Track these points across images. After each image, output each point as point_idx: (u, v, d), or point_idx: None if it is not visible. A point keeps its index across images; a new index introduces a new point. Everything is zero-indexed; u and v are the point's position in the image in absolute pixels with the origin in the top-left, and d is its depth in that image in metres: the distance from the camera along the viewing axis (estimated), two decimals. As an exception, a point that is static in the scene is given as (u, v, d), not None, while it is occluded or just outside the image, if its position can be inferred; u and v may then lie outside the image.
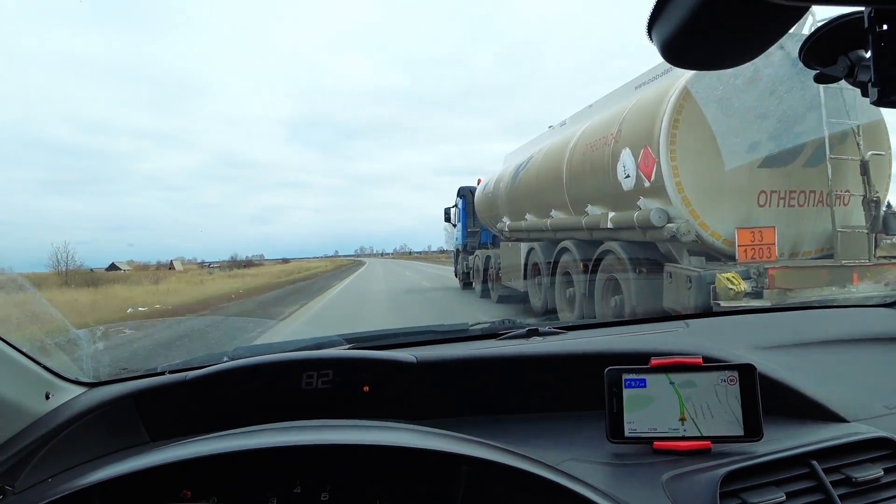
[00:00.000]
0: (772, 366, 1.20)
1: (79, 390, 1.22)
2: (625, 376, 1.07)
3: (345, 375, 1.25)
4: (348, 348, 1.46)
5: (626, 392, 1.06)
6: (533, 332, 1.52)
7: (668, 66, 0.60)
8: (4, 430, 1.00)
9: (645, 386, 1.06)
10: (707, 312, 2.49)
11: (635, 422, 1.05)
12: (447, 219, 16.88)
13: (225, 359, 1.39)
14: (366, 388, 1.26)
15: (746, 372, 1.03)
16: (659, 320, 1.77)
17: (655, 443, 1.03)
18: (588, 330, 1.69)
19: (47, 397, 1.11)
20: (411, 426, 0.90)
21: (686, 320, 1.65)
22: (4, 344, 1.02)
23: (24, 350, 1.08)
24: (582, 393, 1.23)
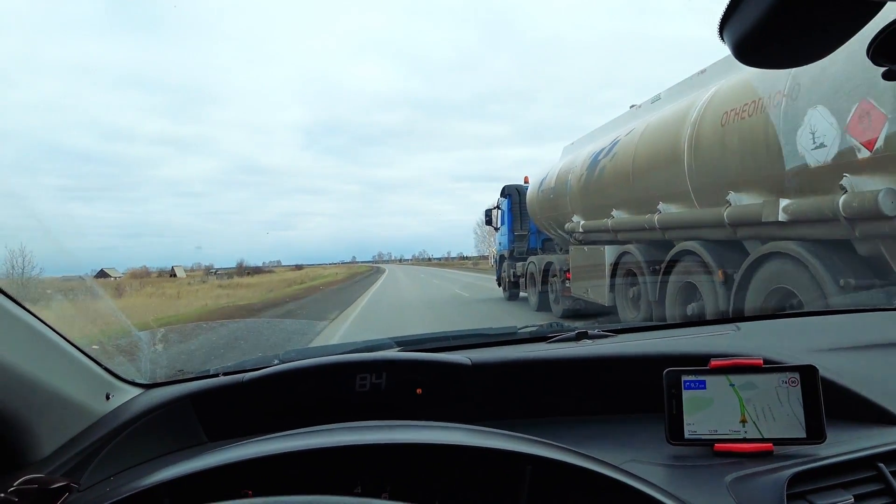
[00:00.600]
0: (831, 368, 1.18)
1: (136, 391, 1.26)
2: (684, 378, 1.06)
3: (398, 377, 1.27)
4: (398, 351, 1.46)
5: (685, 394, 1.06)
6: (582, 335, 1.51)
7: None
8: (69, 430, 1.02)
9: (705, 388, 1.06)
10: (757, 315, 2.25)
11: (695, 423, 1.05)
12: (488, 222, 16.01)
13: (276, 361, 1.40)
14: (419, 391, 1.27)
15: (808, 373, 1.03)
16: (707, 323, 1.75)
17: (717, 445, 1.03)
18: (637, 333, 1.67)
19: (108, 398, 1.14)
20: (472, 427, 0.86)
21: (736, 323, 1.63)
22: (70, 345, 1.04)
23: (87, 352, 1.10)
24: (637, 395, 1.23)
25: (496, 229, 15.02)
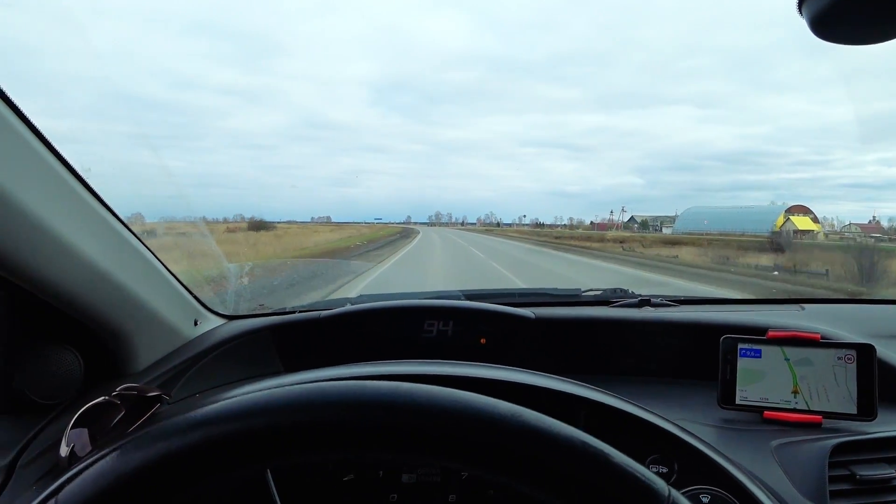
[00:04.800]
0: (891, 354, 1.18)
1: (220, 321, 1.34)
2: (740, 345, 1.09)
3: (464, 325, 1.33)
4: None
5: (740, 361, 1.08)
6: (645, 302, 1.52)
7: None
8: (161, 349, 1.11)
9: (760, 356, 1.08)
10: (825, 298, 2.04)
11: (747, 390, 1.07)
12: None
13: (348, 304, 1.44)
14: (483, 340, 1.33)
15: (865, 352, 1.04)
16: (772, 302, 1.75)
17: (766, 412, 1.05)
18: (700, 304, 1.68)
19: (195, 324, 1.23)
20: (530, 371, 0.88)
21: (802, 304, 1.62)
22: (169, 273, 1.13)
23: (182, 280, 1.18)
24: (693, 362, 1.26)
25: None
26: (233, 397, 0.54)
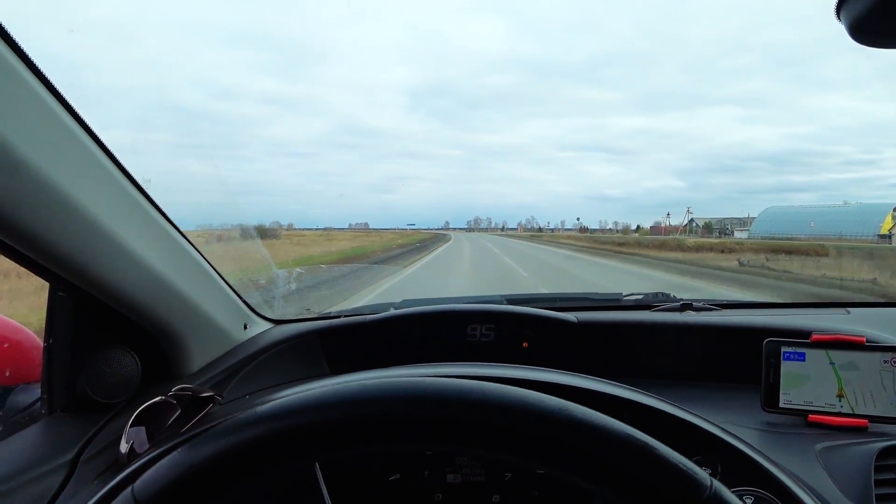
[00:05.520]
0: None
1: (268, 325, 1.38)
2: (784, 349, 1.08)
3: (507, 330, 1.36)
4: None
5: (783, 364, 1.07)
6: (687, 307, 1.51)
7: None
8: (213, 352, 1.15)
9: (804, 360, 1.07)
10: (871, 302, 2.00)
11: (791, 394, 1.06)
12: None
13: (391, 309, 1.47)
14: (525, 344, 1.35)
15: None
16: (816, 305, 1.72)
17: (811, 416, 1.04)
18: (742, 308, 1.67)
19: (245, 328, 1.27)
20: (574, 373, 0.90)
21: (847, 308, 1.58)
22: (221, 279, 1.17)
23: (232, 286, 1.22)
24: (736, 366, 1.25)
25: None
26: (285, 396, 0.57)
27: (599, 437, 0.50)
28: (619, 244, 34.21)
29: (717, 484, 0.50)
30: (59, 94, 0.70)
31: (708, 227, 66.71)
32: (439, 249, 22.80)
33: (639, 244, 33.21)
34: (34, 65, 0.65)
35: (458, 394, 0.52)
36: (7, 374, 1.01)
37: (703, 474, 0.50)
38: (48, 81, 0.68)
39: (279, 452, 0.52)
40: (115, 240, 0.81)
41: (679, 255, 23.22)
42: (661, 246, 30.21)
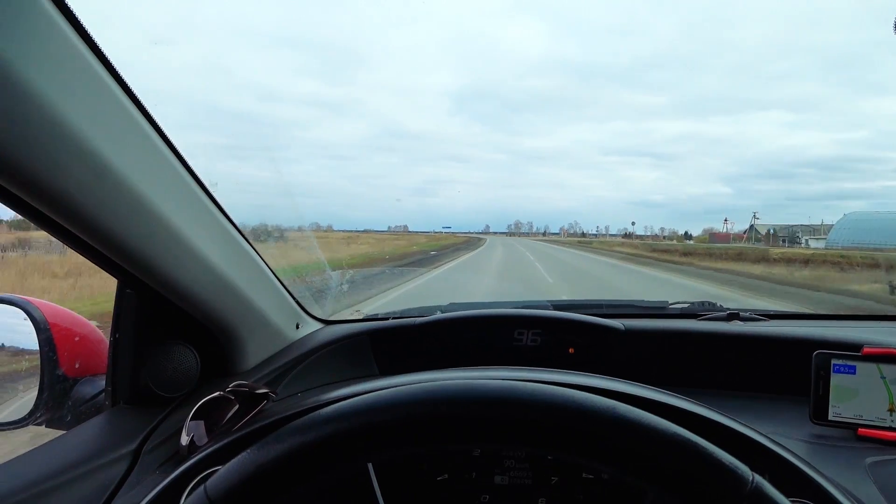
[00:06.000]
0: None
1: (318, 325, 1.42)
2: (834, 361, 1.06)
3: (554, 335, 1.36)
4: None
5: (833, 377, 1.06)
6: (734, 316, 1.50)
7: None
8: (267, 350, 1.19)
9: (854, 373, 1.05)
10: None
11: (840, 407, 1.05)
12: None
13: (438, 312, 1.50)
14: (571, 350, 1.35)
15: None
16: (867, 318, 1.69)
17: (860, 429, 1.03)
18: (790, 319, 1.65)
19: (297, 327, 1.31)
20: (623, 380, 0.89)
21: None
22: (277, 280, 1.21)
23: (287, 286, 1.26)
24: (783, 377, 1.24)
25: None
26: (340, 397, 0.59)
27: (644, 433, 0.53)
28: (685, 254, 30.32)
29: (758, 478, 0.51)
30: (138, 99, 0.73)
31: (770, 235, 61.03)
32: (450, 264, 17.56)
33: (709, 254, 28.45)
34: (117, 73, 0.69)
35: (529, 396, 0.55)
36: (77, 365, 1.05)
37: (744, 468, 0.52)
38: (128, 88, 0.71)
39: (346, 452, 0.55)
40: (184, 240, 0.84)
41: (764, 269, 19.43)
42: (739, 257, 26.09)
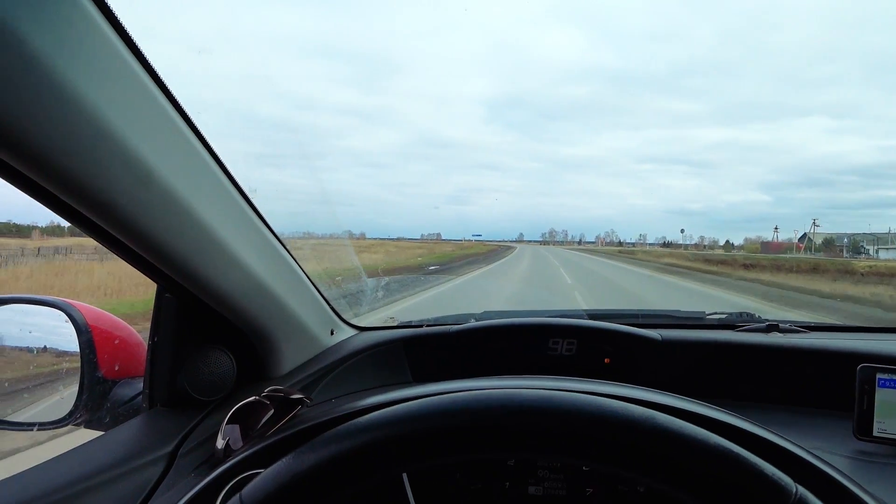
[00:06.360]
0: None
1: (352, 332, 1.42)
2: (879, 375, 1.03)
3: (589, 345, 1.35)
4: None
5: (878, 392, 1.03)
6: (773, 328, 1.47)
7: None
8: (302, 355, 1.20)
9: None
10: None
11: (886, 422, 1.02)
12: None
13: (472, 320, 1.50)
14: (607, 360, 1.33)
15: None
16: None
17: None
18: (831, 332, 1.61)
19: (332, 333, 1.32)
20: (661, 391, 0.87)
21: None
22: (313, 286, 1.22)
23: (323, 293, 1.27)
24: (825, 390, 1.21)
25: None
26: (375, 404, 0.59)
27: (686, 444, 0.52)
28: (745, 266, 25.58)
29: (801, 489, 0.51)
30: (182, 108, 0.75)
31: (828, 244, 54.99)
32: (457, 281, 14.43)
33: (777, 267, 24.19)
34: (162, 82, 0.70)
35: (571, 405, 0.54)
36: (116, 368, 1.07)
37: (788, 480, 0.51)
38: (172, 96, 0.72)
39: (382, 461, 0.55)
40: (225, 246, 0.85)
41: (862, 287, 15.91)
42: (815, 270, 21.47)
